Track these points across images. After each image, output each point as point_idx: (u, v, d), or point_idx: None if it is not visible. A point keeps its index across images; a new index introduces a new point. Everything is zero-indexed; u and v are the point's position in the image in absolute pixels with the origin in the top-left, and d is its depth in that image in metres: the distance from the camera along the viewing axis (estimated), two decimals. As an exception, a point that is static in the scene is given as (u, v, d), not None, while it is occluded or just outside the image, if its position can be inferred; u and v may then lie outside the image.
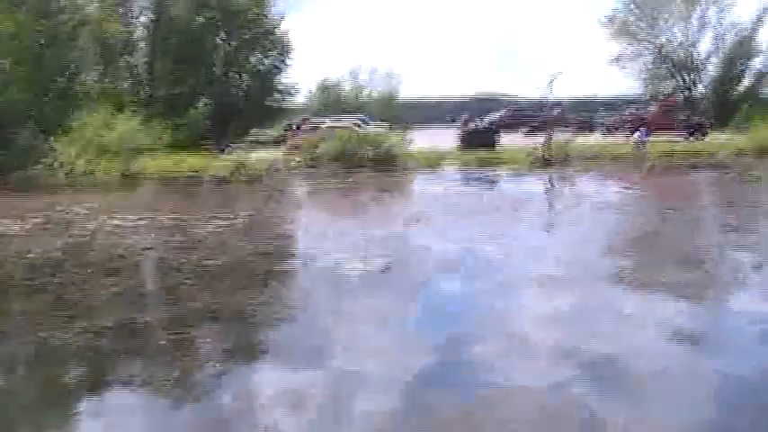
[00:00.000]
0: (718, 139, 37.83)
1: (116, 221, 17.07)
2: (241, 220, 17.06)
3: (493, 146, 34.12)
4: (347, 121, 38.13)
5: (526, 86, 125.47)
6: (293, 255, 13.76)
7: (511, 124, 45.54)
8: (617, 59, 56.87)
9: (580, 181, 25.89)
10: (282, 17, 49.35)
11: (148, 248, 13.76)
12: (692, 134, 39.30)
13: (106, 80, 42.48)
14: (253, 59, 49.13)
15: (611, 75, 56.77)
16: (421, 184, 26.42)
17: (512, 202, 20.22)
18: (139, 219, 17.43)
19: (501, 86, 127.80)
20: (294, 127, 41.01)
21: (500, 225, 15.70)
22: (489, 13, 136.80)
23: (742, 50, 53.97)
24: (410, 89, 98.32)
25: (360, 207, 20.53)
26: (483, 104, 62.06)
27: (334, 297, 9.85)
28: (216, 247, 13.48)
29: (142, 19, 45.94)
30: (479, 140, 34.42)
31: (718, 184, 24.38)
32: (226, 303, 9.53)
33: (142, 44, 45.56)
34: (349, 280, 10.82)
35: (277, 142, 39.50)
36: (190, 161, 31.59)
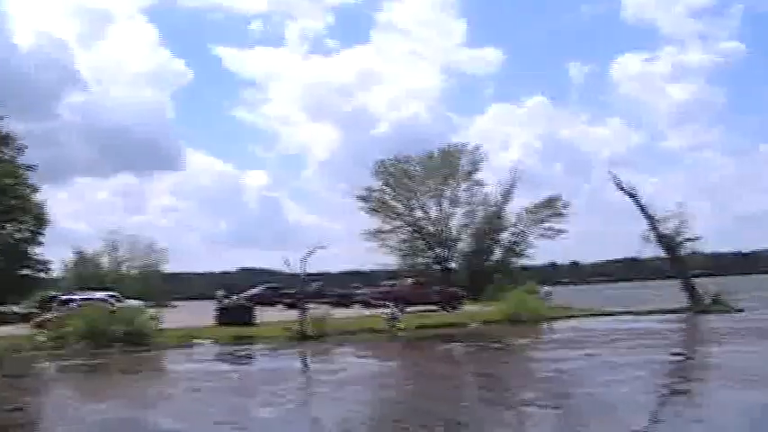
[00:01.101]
0: (471, 310, 39.35)
1: None
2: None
3: (249, 321, 33.14)
4: (100, 296, 35.80)
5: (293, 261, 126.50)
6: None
7: (270, 299, 45.01)
8: (375, 234, 58.91)
9: (331, 356, 25.36)
10: (38, 188, 46.89)
11: None
12: (445, 306, 40.53)
13: None
14: (4, 231, 45.59)
15: (372, 249, 57.87)
16: (167, 363, 24.82)
17: (257, 379, 19.54)
18: None
19: (270, 261, 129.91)
20: (44, 302, 37.92)
21: (233, 405, 14.53)
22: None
23: (491, 225, 57.87)
24: (177, 262, 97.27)
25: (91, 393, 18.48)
26: (252, 277, 61.84)
27: None
28: None
29: None
30: (235, 316, 33.36)
31: (465, 355, 24.82)
32: None
33: None
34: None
35: (26, 319, 36.01)
36: None
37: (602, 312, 39.84)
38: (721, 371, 18.12)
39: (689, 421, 11.85)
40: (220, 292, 44.07)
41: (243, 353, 26.29)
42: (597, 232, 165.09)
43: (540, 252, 62.02)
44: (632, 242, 41.78)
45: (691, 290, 39.10)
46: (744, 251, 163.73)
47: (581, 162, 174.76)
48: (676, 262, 40.49)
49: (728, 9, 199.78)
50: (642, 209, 40.70)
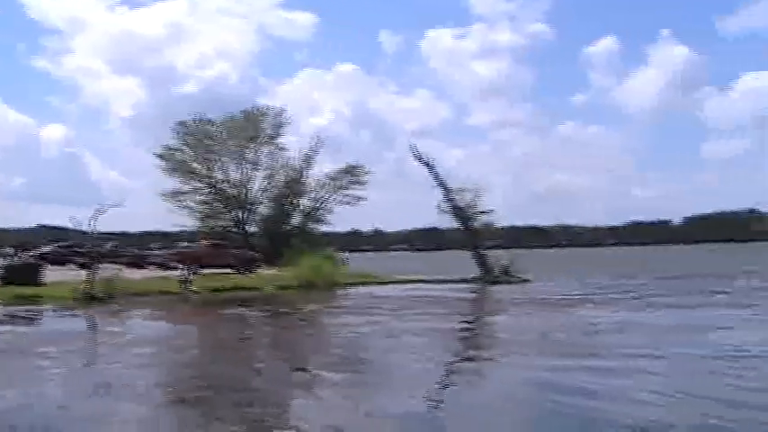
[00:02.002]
0: (268, 274, 38.73)
1: None
2: None
3: (36, 281, 30.74)
4: None
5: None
6: None
7: (62, 258, 42.21)
8: (174, 194, 56.69)
9: (117, 317, 24.01)
10: None
11: None
12: (242, 269, 39.66)
13: None
14: None
15: (172, 210, 55.65)
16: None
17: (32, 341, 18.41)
18: None
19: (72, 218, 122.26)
20: None
21: None
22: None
23: (291, 189, 57.27)
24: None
25: None
26: (51, 235, 58.33)
27: None
28: None
29: None
30: (21, 275, 30.84)
31: (251, 319, 24.26)
32: None
33: None
34: None
35: None
36: None
37: (398, 280, 40.33)
38: (498, 337, 18.83)
39: (447, 385, 12.33)
40: (9, 249, 40.61)
41: (24, 314, 24.32)
42: (401, 201, 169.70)
43: (344, 219, 62.57)
44: (433, 212, 42.53)
45: (482, 261, 40.37)
46: (539, 225, 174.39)
47: (388, 131, 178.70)
48: (469, 233, 41.66)
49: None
50: (438, 180, 41.42)
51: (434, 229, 66.51)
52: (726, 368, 12.25)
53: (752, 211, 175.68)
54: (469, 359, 15.14)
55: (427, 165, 41.54)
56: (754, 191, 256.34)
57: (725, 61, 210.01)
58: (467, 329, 21.23)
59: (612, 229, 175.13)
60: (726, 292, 28.70)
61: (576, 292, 30.54)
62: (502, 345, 16.96)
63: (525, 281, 37.93)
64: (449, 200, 41.21)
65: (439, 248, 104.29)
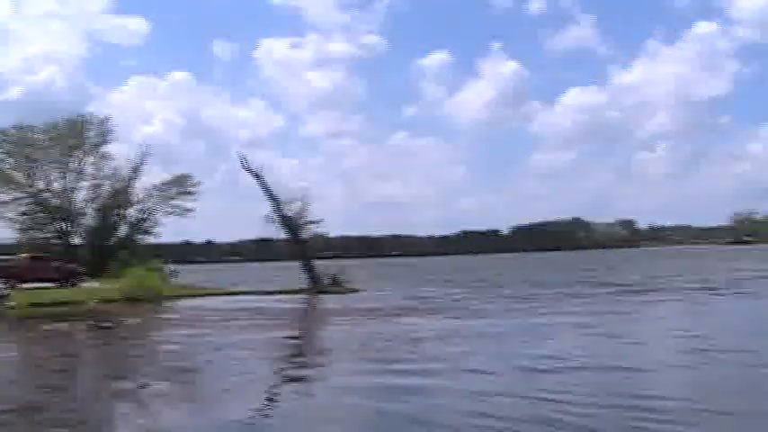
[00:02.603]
0: (91, 287, 37.73)
1: None
2: None
3: None
4: None
5: None
6: None
7: None
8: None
9: None
10: None
11: None
12: (64, 283, 38.36)
13: None
14: None
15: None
16: None
17: None
18: None
19: None
20: None
21: None
22: None
23: (117, 200, 55.71)
24: None
25: None
26: None
27: None
28: None
29: None
30: None
31: (68, 335, 23.70)
32: None
33: None
34: None
35: None
36: None
37: (228, 292, 40.28)
38: (320, 348, 19.34)
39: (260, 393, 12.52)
40: None
41: None
42: (234, 212, 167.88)
43: (175, 230, 61.38)
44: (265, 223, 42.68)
45: (311, 271, 41.00)
46: (372, 235, 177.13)
47: (222, 141, 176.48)
48: (298, 243, 42.23)
49: (372, 5, 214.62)
50: (266, 190, 41.68)
51: (267, 240, 66.50)
52: (526, 377, 13.00)
53: (576, 221, 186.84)
54: (292, 369, 15.49)
55: (255, 175, 41.77)
56: (579, 201, 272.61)
57: (552, 76, 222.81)
58: (290, 341, 21.38)
59: (444, 238, 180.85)
60: (546, 300, 30.06)
61: (403, 302, 31.48)
62: (324, 355, 17.37)
63: (354, 291, 38.64)
64: (277, 210, 41.59)
65: (271, 259, 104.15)
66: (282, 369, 15.56)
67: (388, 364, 14.71)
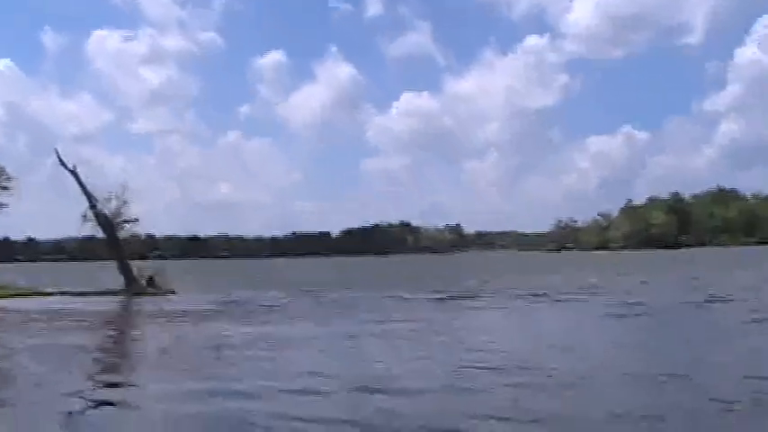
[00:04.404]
0: None
1: None
2: None
3: None
4: None
5: None
6: None
7: None
8: None
9: None
10: None
11: None
12: None
13: None
14: None
15: None
16: None
17: None
18: None
19: None
20: None
21: None
22: None
23: None
24: None
25: None
26: None
27: None
28: None
29: None
30: None
31: None
32: None
33: None
34: None
35: None
36: None
37: (41, 292, 38.52)
38: (124, 353, 18.82)
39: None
40: None
41: None
42: (59, 209, 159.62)
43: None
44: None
45: (127, 272, 39.53)
46: (201, 236, 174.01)
47: (47, 135, 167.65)
48: (115, 243, 40.57)
49: (211, 2, 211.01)
50: (82, 187, 39.81)
51: (91, 238, 63.49)
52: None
53: (405, 225, 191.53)
54: (98, 378, 14.32)
55: (71, 171, 39.85)
56: (410, 206, 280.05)
57: (388, 82, 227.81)
58: (95, 345, 19.93)
59: (275, 240, 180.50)
60: (366, 306, 29.60)
61: (218, 305, 30.68)
62: (127, 362, 16.90)
63: (171, 293, 37.67)
64: (93, 208, 39.81)
65: (96, 258, 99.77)
66: (61, 381, 13.53)
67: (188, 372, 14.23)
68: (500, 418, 9.47)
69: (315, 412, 10.23)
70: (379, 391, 11.48)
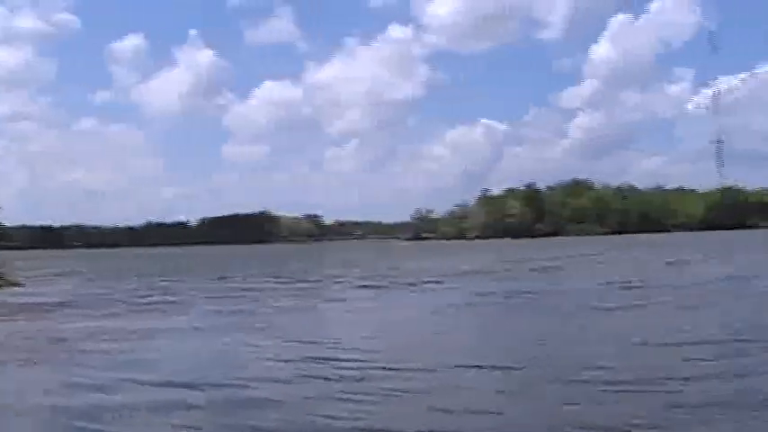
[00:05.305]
0: None
1: None
2: None
3: None
4: None
5: None
6: None
7: None
8: None
9: None
10: None
11: None
12: None
13: None
14: None
15: None
16: None
17: None
18: None
19: None
20: None
21: None
22: None
23: None
24: None
25: None
26: None
27: None
28: None
29: None
30: None
31: None
32: None
33: None
34: None
35: None
36: None
37: None
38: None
39: None
40: None
41: None
42: None
43: None
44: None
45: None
46: (54, 225, 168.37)
47: None
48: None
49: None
50: None
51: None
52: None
53: (265, 214, 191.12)
54: None
55: None
56: (270, 194, 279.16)
57: (249, 68, 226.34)
58: None
59: (131, 230, 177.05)
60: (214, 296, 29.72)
61: (63, 298, 29.84)
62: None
63: (16, 285, 36.40)
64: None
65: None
66: None
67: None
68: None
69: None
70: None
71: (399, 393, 10.35)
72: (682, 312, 19.16)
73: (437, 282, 32.50)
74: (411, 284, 31.87)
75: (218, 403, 10.23)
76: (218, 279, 40.77)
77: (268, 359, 13.79)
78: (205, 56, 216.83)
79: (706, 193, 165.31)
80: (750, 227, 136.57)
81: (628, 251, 60.07)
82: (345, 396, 10.14)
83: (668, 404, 9.03)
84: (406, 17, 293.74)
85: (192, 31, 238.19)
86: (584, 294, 24.66)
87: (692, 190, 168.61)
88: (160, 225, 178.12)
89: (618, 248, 66.13)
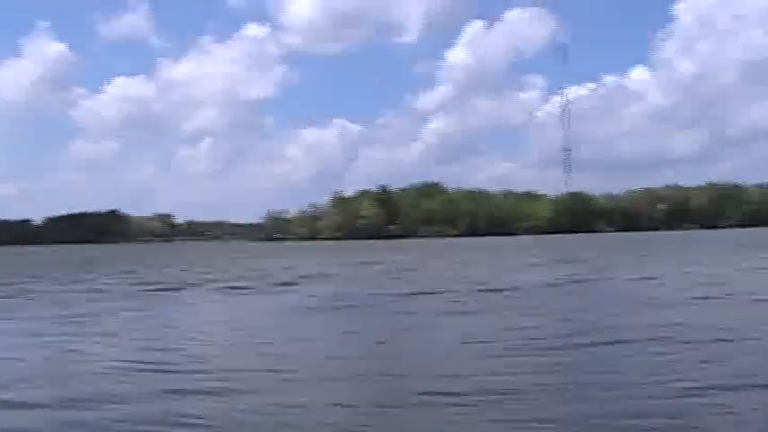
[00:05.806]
0: None
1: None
2: None
3: None
4: None
5: None
6: None
7: None
8: None
9: None
10: None
11: None
12: None
13: None
14: None
15: None
16: None
17: None
18: None
19: None
20: None
21: None
22: None
23: None
24: None
25: None
26: None
27: None
28: None
29: None
30: None
31: None
32: None
33: None
34: None
35: None
36: None
37: None
38: None
39: None
40: None
41: None
42: None
43: None
44: None
45: None
46: None
47: None
48: None
49: None
50: None
51: None
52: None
53: (114, 213, 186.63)
54: None
55: None
56: (120, 193, 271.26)
57: (101, 63, 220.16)
58: None
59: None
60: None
61: None
62: None
63: None
64: None
65: None
66: None
67: None
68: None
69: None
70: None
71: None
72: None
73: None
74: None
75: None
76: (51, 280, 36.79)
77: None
78: (55, 48, 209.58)
79: (555, 198, 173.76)
80: (596, 231, 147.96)
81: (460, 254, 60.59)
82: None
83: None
84: (263, 16, 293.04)
85: (43, 23, 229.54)
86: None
87: (542, 195, 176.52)
88: (1, 223, 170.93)
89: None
